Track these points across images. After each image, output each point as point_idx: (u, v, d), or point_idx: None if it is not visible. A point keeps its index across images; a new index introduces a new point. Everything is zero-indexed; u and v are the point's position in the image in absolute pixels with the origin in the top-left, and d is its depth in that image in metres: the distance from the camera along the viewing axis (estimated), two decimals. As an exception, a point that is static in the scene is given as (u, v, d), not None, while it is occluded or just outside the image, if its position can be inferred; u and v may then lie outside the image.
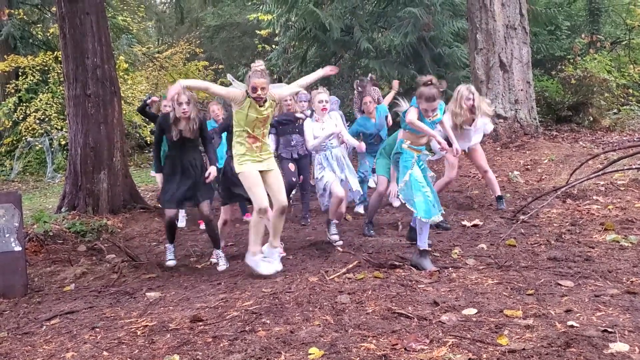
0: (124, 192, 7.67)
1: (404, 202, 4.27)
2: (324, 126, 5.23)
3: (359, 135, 6.33)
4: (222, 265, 4.88)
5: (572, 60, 13.65)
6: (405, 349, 2.63)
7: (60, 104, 13.88)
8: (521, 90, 9.66)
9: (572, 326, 2.72)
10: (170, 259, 5.10)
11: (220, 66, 21.13)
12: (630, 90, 14.04)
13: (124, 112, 12.06)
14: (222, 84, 8.34)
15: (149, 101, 6.36)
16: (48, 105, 14.34)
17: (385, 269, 4.05)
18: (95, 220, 6.87)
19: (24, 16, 15.71)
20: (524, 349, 2.49)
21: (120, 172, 7.60)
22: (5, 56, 14.45)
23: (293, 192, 6.88)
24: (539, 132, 9.81)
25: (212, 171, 4.82)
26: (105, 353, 3.03)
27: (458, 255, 4.36)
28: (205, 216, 4.98)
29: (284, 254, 4.86)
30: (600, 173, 5.84)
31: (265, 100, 4.28)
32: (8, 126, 14.59)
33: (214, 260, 5.11)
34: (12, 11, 15.14)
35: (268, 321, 3.18)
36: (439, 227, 5.31)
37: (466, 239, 4.95)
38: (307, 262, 4.62)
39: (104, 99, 7.44)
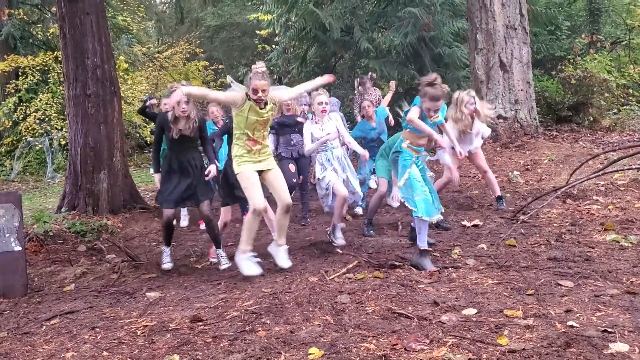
0: (124, 192, 7.68)
1: (403, 201, 4.27)
2: (324, 127, 5.23)
3: (360, 141, 6.32)
4: (224, 265, 4.88)
5: (572, 61, 13.66)
6: (405, 349, 2.63)
7: (60, 104, 13.88)
8: (521, 90, 9.66)
9: (572, 326, 2.72)
10: (166, 262, 5.03)
11: (220, 66, 21.12)
12: (630, 90, 14.05)
13: (124, 112, 12.06)
14: (222, 84, 8.34)
15: (148, 103, 6.36)
16: (48, 105, 14.34)
17: (385, 269, 4.05)
18: (95, 220, 6.87)
19: (24, 16, 15.71)
20: (524, 349, 2.49)
21: (120, 172, 7.61)
22: (5, 56, 14.46)
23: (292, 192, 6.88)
24: (539, 132, 9.81)
25: (212, 169, 4.81)
26: (105, 353, 3.03)
27: (458, 255, 4.36)
28: (205, 216, 4.97)
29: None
30: (600, 173, 5.84)
31: (266, 103, 4.29)
32: (8, 126, 14.59)
33: (213, 260, 5.11)
34: (12, 11, 15.14)
35: (268, 321, 3.18)
36: (439, 227, 5.32)
37: (466, 239, 4.95)
38: (307, 262, 4.62)
39: (104, 99, 7.44)
